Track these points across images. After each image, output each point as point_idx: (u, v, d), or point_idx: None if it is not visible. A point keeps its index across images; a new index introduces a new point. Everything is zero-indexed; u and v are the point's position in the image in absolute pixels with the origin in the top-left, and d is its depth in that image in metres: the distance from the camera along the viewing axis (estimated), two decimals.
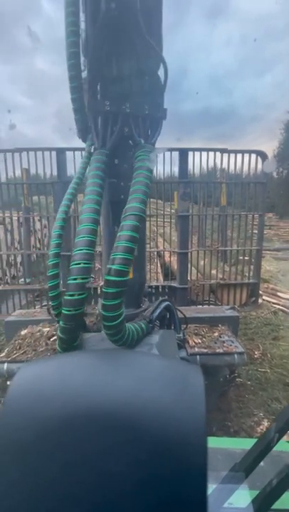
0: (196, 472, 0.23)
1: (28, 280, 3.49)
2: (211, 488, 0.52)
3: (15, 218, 3.35)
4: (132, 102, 0.87)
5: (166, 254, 3.60)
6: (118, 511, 0.23)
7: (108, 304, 0.75)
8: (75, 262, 0.73)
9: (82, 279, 0.73)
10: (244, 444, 0.58)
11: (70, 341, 0.81)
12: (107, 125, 0.88)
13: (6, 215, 3.11)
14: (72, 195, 0.89)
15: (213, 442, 0.89)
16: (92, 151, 0.94)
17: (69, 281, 0.73)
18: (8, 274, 3.38)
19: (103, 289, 0.75)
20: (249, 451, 0.53)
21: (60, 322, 0.78)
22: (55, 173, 2.81)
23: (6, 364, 1.76)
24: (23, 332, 2.03)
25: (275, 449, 0.51)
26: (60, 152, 2.58)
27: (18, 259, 3.71)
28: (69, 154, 2.70)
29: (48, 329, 2.04)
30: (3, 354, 1.83)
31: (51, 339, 1.93)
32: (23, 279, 3.55)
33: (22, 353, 1.82)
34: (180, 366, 0.33)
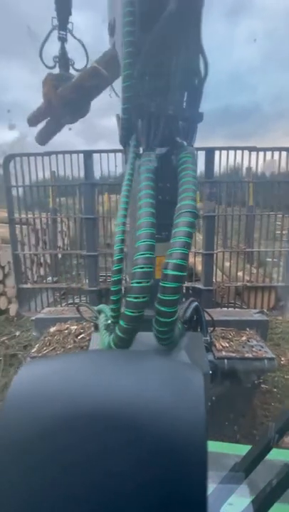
0: (196, 472, 0.24)
1: (54, 279, 3.61)
2: (211, 488, 0.52)
3: (42, 220, 3.48)
4: (176, 103, 0.89)
5: (190, 255, 3.55)
6: (118, 511, 0.23)
7: (166, 298, 0.76)
8: (138, 266, 0.76)
9: (146, 282, 0.76)
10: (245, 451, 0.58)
11: (129, 341, 0.85)
12: (152, 126, 0.89)
13: (34, 216, 3.23)
14: (128, 198, 0.90)
15: (217, 447, 0.88)
16: (139, 152, 0.95)
17: (133, 285, 0.76)
18: (35, 273, 3.52)
19: (160, 284, 0.77)
20: (249, 451, 0.54)
21: (121, 322, 0.82)
22: (80, 174, 2.88)
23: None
24: (51, 329, 2.10)
25: (270, 458, 0.51)
26: (88, 155, 2.64)
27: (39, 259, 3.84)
28: (95, 156, 2.76)
29: (75, 327, 2.10)
30: (34, 349, 1.91)
31: (79, 337, 1.98)
32: (50, 278, 3.68)
33: (52, 350, 1.89)
34: (180, 366, 0.34)
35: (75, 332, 2.03)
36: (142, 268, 0.75)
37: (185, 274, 0.77)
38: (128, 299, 0.78)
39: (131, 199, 1.08)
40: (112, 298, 0.87)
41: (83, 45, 3.30)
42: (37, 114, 2.79)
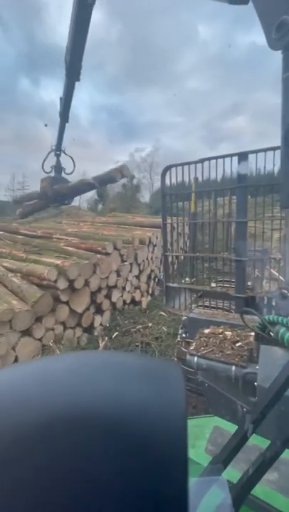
0: (177, 468, 0.24)
1: (191, 280, 3.76)
2: (192, 481, 0.50)
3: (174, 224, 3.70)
4: None
5: None
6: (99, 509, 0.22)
7: None
8: None
9: None
10: None
11: None
12: None
13: (181, 220, 3.47)
14: None
15: None
16: None
17: None
18: (174, 273, 3.80)
19: None
20: (226, 443, 0.57)
21: None
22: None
23: (196, 357, 1.93)
24: (206, 331, 2.16)
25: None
26: (243, 157, 2.56)
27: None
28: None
29: (230, 333, 2.07)
30: (192, 347, 2.03)
31: (236, 344, 1.94)
32: (187, 279, 3.86)
33: (210, 351, 1.94)
34: (159, 364, 0.32)
35: (230, 338, 2.01)
36: None
37: None
38: None
39: None
40: None
41: (72, 159, 6.15)
42: (26, 198, 4.99)
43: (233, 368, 1.76)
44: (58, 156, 6.03)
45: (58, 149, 5.96)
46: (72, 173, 6.38)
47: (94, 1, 4.00)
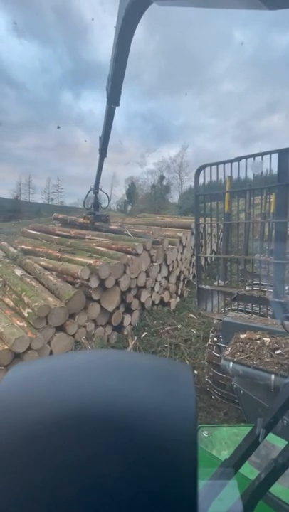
0: (187, 470, 0.23)
1: (224, 282, 3.65)
2: (202, 484, 0.52)
3: (207, 224, 3.59)
4: None
5: None
6: (109, 510, 0.22)
7: None
8: None
9: None
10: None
11: None
12: None
13: (212, 221, 3.38)
14: None
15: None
16: None
17: None
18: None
19: None
20: (238, 447, 0.56)
21: None
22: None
23: (231, 363, 1.86)
24: (242, 336, 2.08)
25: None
26: (284, 153, 2.42)
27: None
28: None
29: (268, 340, 1.97)
30: (227, 352, 1.96)
31: (276, 352, 1.84)
32: (220, 282, 3.75)
33: (246, 357, 1.86)
34: (170, 364, 0.32)
35: (269, 345, 1.91)
36: None
37: None
38: None
39: None
40: None
41: (108, 195, 7.22)
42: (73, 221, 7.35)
43: (273, 376, 1.67)
44: (96, 193, 6.88)
45: (96, 188, 6.83)
46: (107, 207, 7.53)
47: (132, 35, 4.19)
